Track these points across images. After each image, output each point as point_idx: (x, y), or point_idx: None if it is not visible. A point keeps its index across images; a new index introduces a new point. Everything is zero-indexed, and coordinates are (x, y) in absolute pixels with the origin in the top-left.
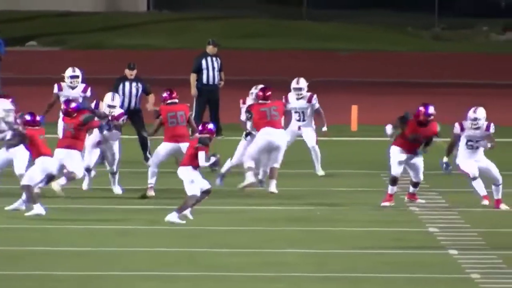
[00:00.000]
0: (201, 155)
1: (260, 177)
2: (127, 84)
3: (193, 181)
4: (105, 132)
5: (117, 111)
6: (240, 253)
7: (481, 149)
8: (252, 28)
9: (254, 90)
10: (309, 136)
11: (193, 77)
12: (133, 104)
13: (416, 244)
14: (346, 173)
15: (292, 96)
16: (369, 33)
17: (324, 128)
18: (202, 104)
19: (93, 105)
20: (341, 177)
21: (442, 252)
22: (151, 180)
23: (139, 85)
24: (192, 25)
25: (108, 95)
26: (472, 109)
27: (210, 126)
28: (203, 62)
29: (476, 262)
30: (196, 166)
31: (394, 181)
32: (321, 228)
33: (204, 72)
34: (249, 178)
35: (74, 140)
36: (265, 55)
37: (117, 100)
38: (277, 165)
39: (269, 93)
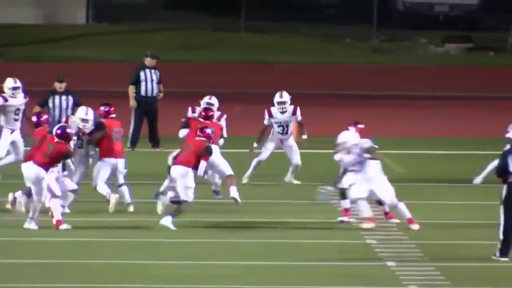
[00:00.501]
0: (203, 164)
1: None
2: (57, 97)
3: (190, 187)
4: (78, 149)
5: (90, 125)
6: (185, 265)
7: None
8: (191, 41)
9: (208, 100)
10: (294, 153)
11: (131, 89)
12: (64, 117)
13: (354, 256)
14: (287, 186)
15: (275, 110)
16: (307, 45)
17: (304, 136)
18: (140, 116)
19: (63, 120)
20: (282, 189)
21: (380, 264)
22: (108, 190)
23: (70, 97)
24: (132, 37)
25: (82, 109)
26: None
27: (208, 130)
28: (142, 74)
29: (414, 274)
30: (195, 169)
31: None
32: (266, 240)
33: (143, 84)
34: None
35: (35, 153)
36: (204, 67)
37: (91, 114)
38: (230, 173)
39: (211, 114)
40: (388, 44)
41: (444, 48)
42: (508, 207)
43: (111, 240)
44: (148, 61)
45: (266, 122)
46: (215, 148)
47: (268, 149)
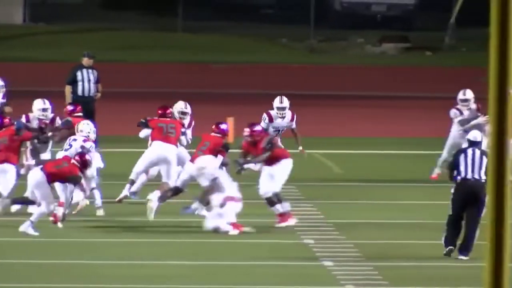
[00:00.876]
0: (220, 158)
1: (134, 189)
2: None
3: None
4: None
5: (50, 114)
6: (123, 265)
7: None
8: (128, 41)
9: (184, 109)
10: None
11: (67, 89)
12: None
13: (291, 255)
14: None
15: (274, 115)
16: (245, 45)
17: (300, 148)
18: None
19: (23, 119)
20: None
21: (317, 264)
22: (81, 195)
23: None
24: (69, 37)
25: (38, 101)
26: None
27: (223, 126)
28: (78, 74)
29: (351, 273)
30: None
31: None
32: (205, 240)
33: (79, 84)
34: (126, 191)
35: (8, 154)
36: (142, 67)
37: (48, 103)
38: (168, 181)
39: (169, 111)
40: (326, 44)
41: (381, 48)
42: (455, 203)
43: (47, 240)
44: (85, 61)
45: (264, 126)
46: (172, 152)
47: None
